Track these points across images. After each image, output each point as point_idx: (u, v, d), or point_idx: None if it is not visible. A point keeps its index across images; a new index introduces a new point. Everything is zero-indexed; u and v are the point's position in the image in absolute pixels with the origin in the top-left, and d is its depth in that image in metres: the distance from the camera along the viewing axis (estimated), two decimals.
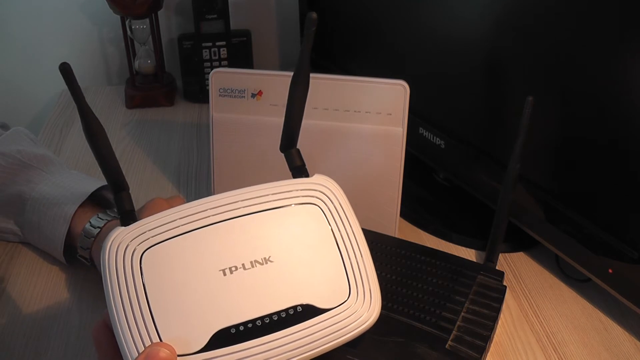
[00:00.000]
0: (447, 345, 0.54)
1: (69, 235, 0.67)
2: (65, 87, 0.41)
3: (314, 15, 0.46)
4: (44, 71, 1.17)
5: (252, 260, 0.43)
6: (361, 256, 0.46)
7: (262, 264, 0.43)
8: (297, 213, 0.46)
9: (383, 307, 0.57)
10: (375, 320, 0.45)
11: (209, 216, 0.44)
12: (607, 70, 0.57)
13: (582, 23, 0.57)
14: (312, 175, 0.49)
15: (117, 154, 0.89)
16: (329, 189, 0.47)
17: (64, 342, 0.61)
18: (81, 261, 0.66)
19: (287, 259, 0.44)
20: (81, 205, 0.67)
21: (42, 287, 0.68)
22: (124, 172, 0.45)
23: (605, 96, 0.57)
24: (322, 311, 0.43)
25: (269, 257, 0.43)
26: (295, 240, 0.45)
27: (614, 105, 0.57)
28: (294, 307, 0.43)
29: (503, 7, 0.65)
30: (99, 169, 0.45)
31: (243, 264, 0.43)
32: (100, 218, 0.65)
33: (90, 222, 0.65)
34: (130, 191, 0.45)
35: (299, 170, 0.49)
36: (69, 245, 0.67)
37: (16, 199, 0.69)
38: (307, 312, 0.43)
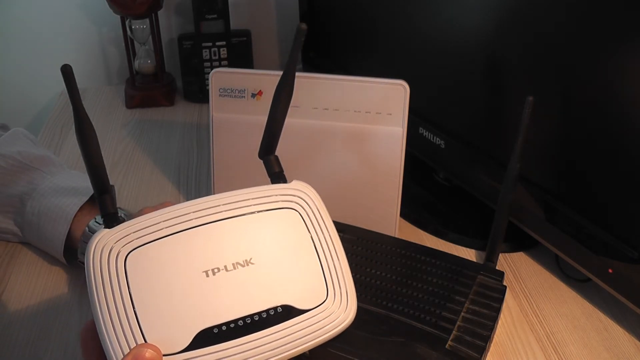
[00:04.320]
0: (447, 345, 0.54)
1: (69, 236, 0.67)
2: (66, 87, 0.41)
3: (304, 26, 0.46)
4: (44, 71, 1.17)
5: (234, 262, 0.44)
6: (338, 259, 0.47)
7: (243, 266, 0.44)
8: (276, 217, 0.47)
9: (383, 307, 0.58)
10: (352, 321, 0.46)
11: (191, 219, 0.44)
12: (608, 70, 0.57)
13: (582, 23, 0.57)
14: (290, 181, 0.49)
15: (117, 154, 0.91)
16: (307, 195, 0.48)
17: (64, 342, 0.61)
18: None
19: (268, 261, 0.45)
20: (82, 206, 0.67)
21: (42, 287, 0.68)
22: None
23: (606, 96, 0.57)
24: (301, 312, 0.44)
25: (250, 259, 0.44)
26: (275, 243, 0.46)
27: (614, 105, 0.57)
28: (274, 308, 0.44)
29: (503, 8, 0.65)
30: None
31: (225, 266, 0.43)
32: (98, 222, 0.65)
33: (88, 227, 0.65)
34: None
35: (277, 176, 0.50)
36: (68, 246, 0.67)
37: (16, 200, 0.69)
38: (286, 312, 0.44)
